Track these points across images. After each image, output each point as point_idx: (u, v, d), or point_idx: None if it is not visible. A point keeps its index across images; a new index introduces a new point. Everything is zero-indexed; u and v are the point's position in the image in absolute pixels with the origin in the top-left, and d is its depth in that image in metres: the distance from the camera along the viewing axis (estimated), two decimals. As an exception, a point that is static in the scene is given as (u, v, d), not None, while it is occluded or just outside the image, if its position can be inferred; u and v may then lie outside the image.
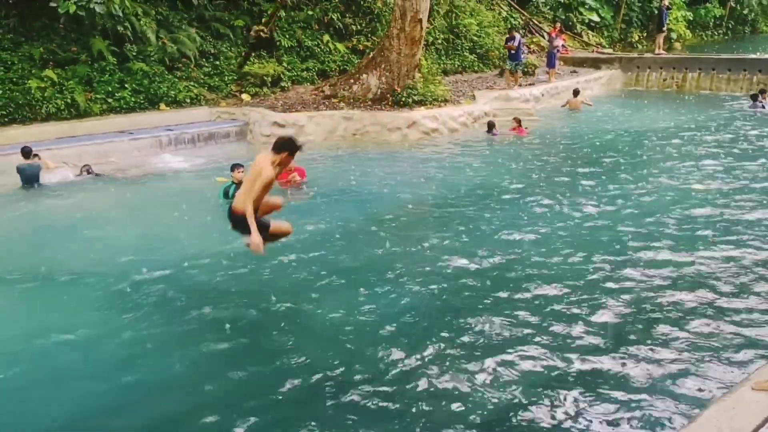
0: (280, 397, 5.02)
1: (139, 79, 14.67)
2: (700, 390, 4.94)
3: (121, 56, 14.73)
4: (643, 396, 4.89)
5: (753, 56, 21.55)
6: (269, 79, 16.43)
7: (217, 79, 16.07)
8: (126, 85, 14.49)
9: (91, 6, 13.53)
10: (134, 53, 14.94)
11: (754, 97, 17.72)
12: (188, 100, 15.16)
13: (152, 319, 6.29)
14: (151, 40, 15.08)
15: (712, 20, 34.52)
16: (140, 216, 9.71)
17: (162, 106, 14.79)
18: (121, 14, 14.22)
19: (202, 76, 15.94)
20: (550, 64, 20.47)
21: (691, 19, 32.32)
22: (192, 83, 15.58)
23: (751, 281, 6.84)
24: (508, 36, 19.53)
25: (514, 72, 18.84)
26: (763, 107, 17.21)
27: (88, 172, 11.67)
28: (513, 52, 18.63)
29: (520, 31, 22.59)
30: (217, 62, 16.37)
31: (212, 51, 16.40)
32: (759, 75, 19.77)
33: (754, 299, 6.43)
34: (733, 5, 35.78)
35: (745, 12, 37.05)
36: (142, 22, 15.03)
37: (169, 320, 6.27)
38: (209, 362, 5.56)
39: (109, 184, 11.32)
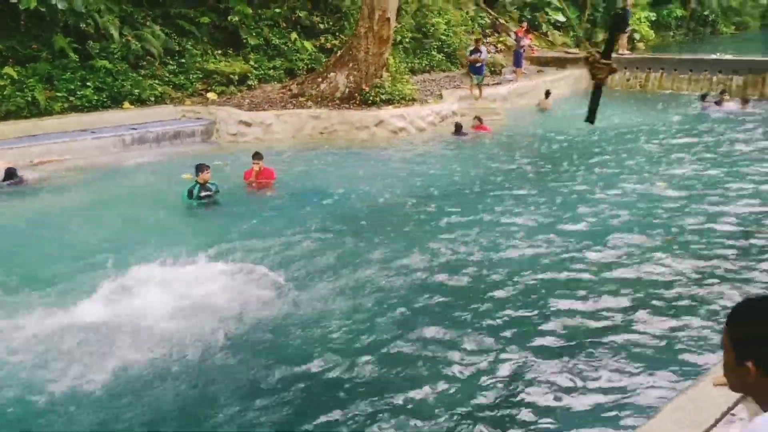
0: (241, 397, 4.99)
1: (102, 76, 14.41)
2: (661, 386, 5.02)
3: (83, 54, 14.46)
4: (605, 393, 4.96)
5: (713, 57, 22.01)
6: (236, 77, 16.29)
7: (182, 77, 15.87)
8: (88, 83, 14.22)
9: (53, 2, 13.26)
10: (97, 50, 14.67)
11: (703, 97, 18.24)
12: (153, 99, 14.95)
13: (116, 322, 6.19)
14: (114, 37, 14.81)
15: (674, 21, 35.14)
16: (100, 216, 9.50)
17: (126, 104, 14.56)
18: (83, 10, 13.95)
19: (167, 74, 15.72)
20: (517, 64, 20.64)
21: (654, 19, 32.85)
22: (157, 81, 15.36)
23: (709, 279, 6.98)
24: (473, 48, 18.34)
25: (478, 85, 17.80)
26: (718, 106, 17.64)
27: (11, 179, 10.87)
28: (477, 65, 17.71)
29: (485, 40, 22.41)
30: (183, 60, 16.16)
31: (177, 48, 16.18)
32: (719, 75, 20.19)
33: (712, 297, 6.55)
34: (694, 6, 36.48)
35: (706, 13, 37.80)
36: (105, 18, 14.76)
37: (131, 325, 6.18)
38: (179, 366, 5.49)
39: (66, 186, 11.10)
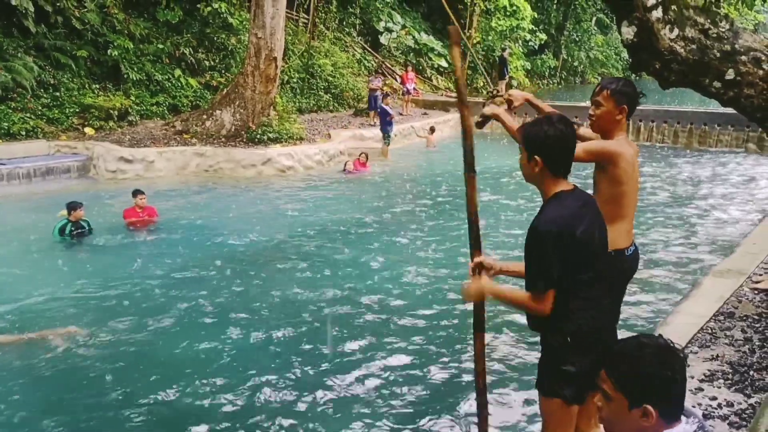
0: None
1: (-35, 108, 13.47)
2: None
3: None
4: None
5: (584, 104, 23.58)
6: (115, 112, 15.67)
7: (57, 111, 15.09)
8: (-50, 115, 13.24)
9: None
10: (-39, 81, 13.73)
11: None
12: (23, 133, 14.08)
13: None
14: (-20, 68, 13.93)
15: (548, 70, 37.52)
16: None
17: (-7, 138, 13.66)
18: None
19: (40, 108, 14.91)
20: (373, 107, 19.99)
21: (529, 68, 34.91)
22: (28, 115, 14.52)
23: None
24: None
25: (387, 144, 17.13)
26: None
27: None
28: (387, 119, 17.03)
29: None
30: (57, 93, 15.39)
31: (52, 81, 15.41)
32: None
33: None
34: (566, 57, 39.15)
35: (576, 64, 40.66)
36: (-30, 47, 13.88)
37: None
38: (51, 411, 5.11)
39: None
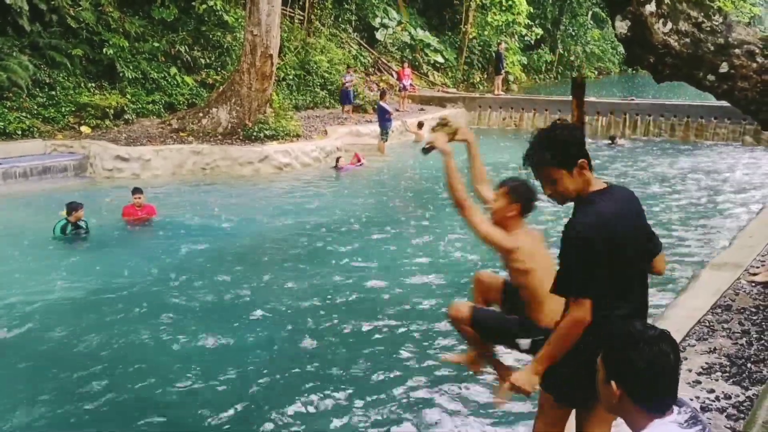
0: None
1: (-39, 108, 13.43)
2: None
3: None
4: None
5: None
6: (111, 111, 15.63)
7: (52, 110, 15.05)
8: (-54, 115, 13.20)
9: None
10: (-44, 81, 13.69)
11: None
12: (19, 132, 14.05)
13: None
14: (-25, 67, 13.88)
15: (544, 65, 37.44)
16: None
17: (-12, 137, 13.62)
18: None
19: (36, 107, 14.87)
20: (346, 101, 20.51)
21: (526, 63, 34.86)
22: (24, 114, 14.47)
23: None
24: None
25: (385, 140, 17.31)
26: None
27: None
28: (387, 116, 17.19)
29: (366, 78, 21.90)
30: (53, 92, 15.35)
31: (47, 80, 15.38)
32: (587, 117, 21.58)
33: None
34: (562, 52, 39.09)
35: (572, 58, 40.57)
36: (-35, 47, 13.84)
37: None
38: (42, 414, 5.11)
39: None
